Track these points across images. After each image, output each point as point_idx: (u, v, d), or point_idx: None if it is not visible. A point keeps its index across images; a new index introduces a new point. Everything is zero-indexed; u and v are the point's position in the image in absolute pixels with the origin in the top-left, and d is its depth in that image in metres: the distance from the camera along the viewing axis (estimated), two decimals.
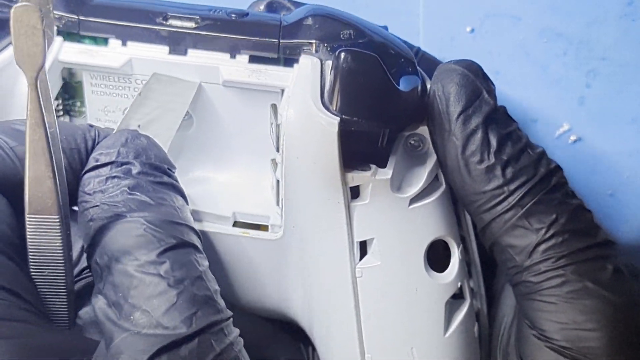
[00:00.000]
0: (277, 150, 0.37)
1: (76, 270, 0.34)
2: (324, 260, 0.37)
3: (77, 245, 0.35)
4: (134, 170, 0.33)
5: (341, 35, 0.36)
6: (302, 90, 0.35)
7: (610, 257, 0.35)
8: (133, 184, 0.32)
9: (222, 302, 0.31)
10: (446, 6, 0.48)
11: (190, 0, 0.39)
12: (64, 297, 0.32)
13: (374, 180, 0.36)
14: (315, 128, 0.34)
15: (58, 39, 0.38)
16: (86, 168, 0.33)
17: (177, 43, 0.37)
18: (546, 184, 0.35)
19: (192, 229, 0.33)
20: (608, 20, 0.46)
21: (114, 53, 0.38)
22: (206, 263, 0.32)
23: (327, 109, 0.34)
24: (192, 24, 0.37)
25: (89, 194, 0.32)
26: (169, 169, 0.34)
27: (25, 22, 0.30)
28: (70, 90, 0.40)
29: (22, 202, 0.31)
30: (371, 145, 0.36)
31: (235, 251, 0.39)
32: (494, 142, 0.35)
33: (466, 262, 0.40)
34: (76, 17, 0.38)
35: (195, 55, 0.37)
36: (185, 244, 0.31)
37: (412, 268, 0.37)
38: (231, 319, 0.31)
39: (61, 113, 0.40)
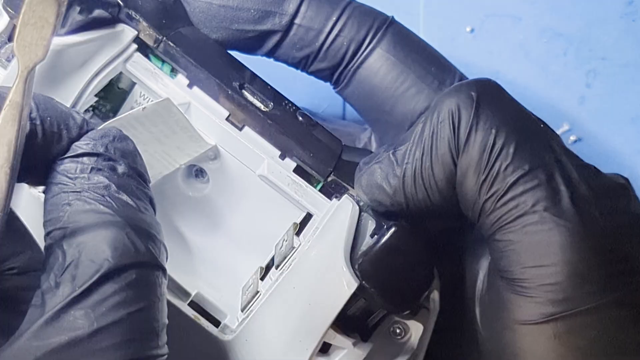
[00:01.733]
0: (276, 268, 0.36)
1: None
2: None
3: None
4: (120, 170, 0.31)
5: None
6: (335, 234, 0.34)
7: (567, 179, 0.31)
8: (119, 182, 0.31)
9: (164, 338, 0.30)
10: (446, 6, 0.48)
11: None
12: None
13: (351, 349, 0.35)
14: (331, 278, 0.34)
15: (132, 46, 0.36)
16: (69, 154, 0.31)
17: (239, 115, 0.36)
18: None
19: (166, 249, 0.32)
20: (608, 20, 0.46)
21: (177, 90, 0.36)
22: (166, 291, 0.31)
23: (352, 266, 0.34)
24: (261, 106, 0.36)
25: (70, 178, 0.30)
26: (148, 181, 0.33)
27: (38, 13, 0.28)
28: (108, 92, 0.38)
29: None
30: (366, 317, 0.35)
31: (182, 326, 0.37)
32: None
33: None
34: (161, 37, 0.36)
35: (249, 136, 0.36)
36: (157, 266, 0.30)
37: None
38: (166, 356, 0.30)
39: (90, 110, 0.39)
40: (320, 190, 0.36)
